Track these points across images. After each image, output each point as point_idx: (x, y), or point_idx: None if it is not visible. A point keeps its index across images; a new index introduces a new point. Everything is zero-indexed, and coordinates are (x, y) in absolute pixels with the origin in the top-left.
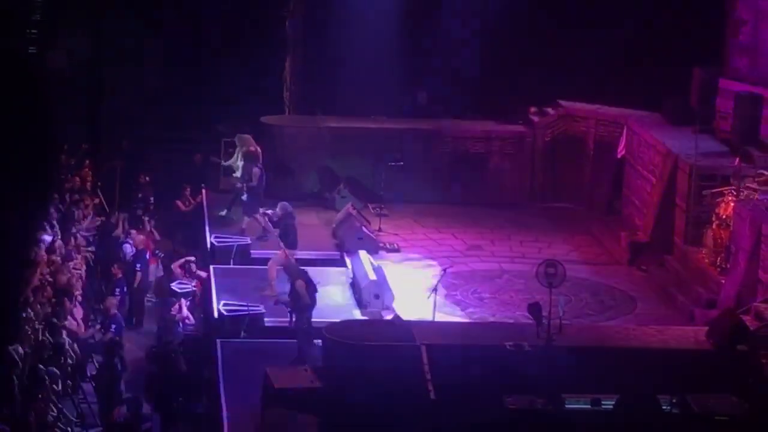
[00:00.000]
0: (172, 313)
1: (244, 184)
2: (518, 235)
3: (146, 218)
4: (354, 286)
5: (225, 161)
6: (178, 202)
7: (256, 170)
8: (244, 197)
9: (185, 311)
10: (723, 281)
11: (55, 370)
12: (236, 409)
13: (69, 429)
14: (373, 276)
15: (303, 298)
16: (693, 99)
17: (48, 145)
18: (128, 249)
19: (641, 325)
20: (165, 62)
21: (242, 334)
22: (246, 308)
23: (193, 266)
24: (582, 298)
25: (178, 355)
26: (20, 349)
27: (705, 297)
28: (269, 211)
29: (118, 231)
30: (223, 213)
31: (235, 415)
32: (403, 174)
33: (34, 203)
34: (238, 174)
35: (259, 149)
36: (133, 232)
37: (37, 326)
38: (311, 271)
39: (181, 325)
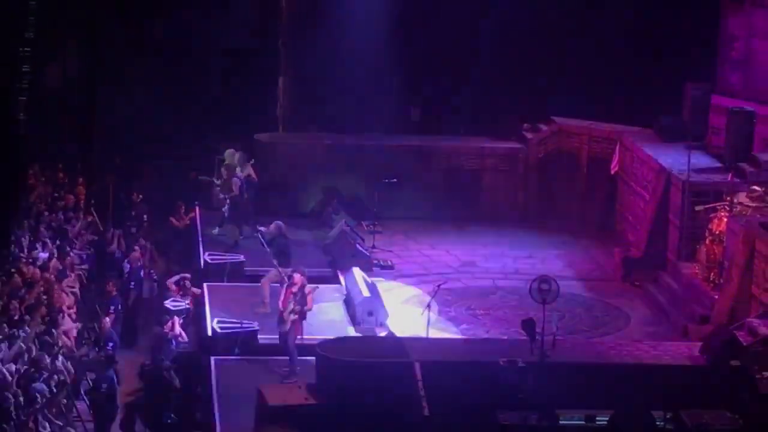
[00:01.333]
0: (165, 330)
1: (226, 197)
2: (512, 252)
3: (142, 239)
4: (347, 303)
5: (217, 180)
6: (172, 219)
7: (235, 180)
8: (225, 209)
9: (178, 329)
10: (716, 297)
11: (47, 387)
12: (230, 426)
13: None
14: (366, 293)
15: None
16: (685, 115)
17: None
18: (127, 267)
19: (635, 341)
20: (158, 80)
21: (236, 351)
22: (240, 326)
23: (188, 283)
24: (576, 314)
25: (171, 372)
26: (13, 367)
27: (698, 312)
28: (263, 229)
29: (113, 247)
30: (215, 231)
31: None
32: (396, 191)
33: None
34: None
35: (239, 161)
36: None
37: (30, 344)
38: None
39: (174, 342)
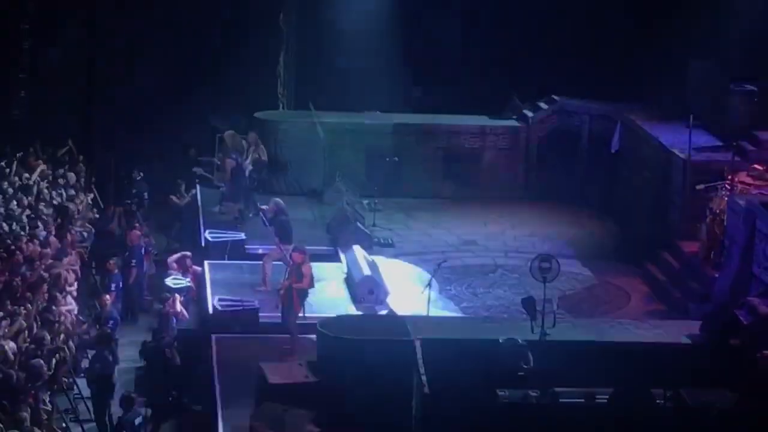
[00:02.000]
0: (166, 308)
1: (222, 180)
2: (512, 230)
3: (141, 217)
4: (348, 281)
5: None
6: (173, 197)
7: (230, 161)
8: (222, 187)
9: (179, 306)
10: (717, 276)
11: (48, 365)
12: (230, 404)
13: (63, 424)
14: (367, 271)
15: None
16: (687, 93)
17: None
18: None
19: (635, 320)
20: (159, 57)
21: (237, 329)
22: (240, 303)
23: (189, 261)
24: (576, 292)
25: (172, 349)
26: (12, 344)
27: (699, 291)
28: (264, 207)
29: (113, 226)
30: (216, 209)
31: (229, 410)
32: (397, 169)
33: None
34: (223, 189)
35: (235, 144)
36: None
37: (31, 322)
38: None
39: (175, 320)
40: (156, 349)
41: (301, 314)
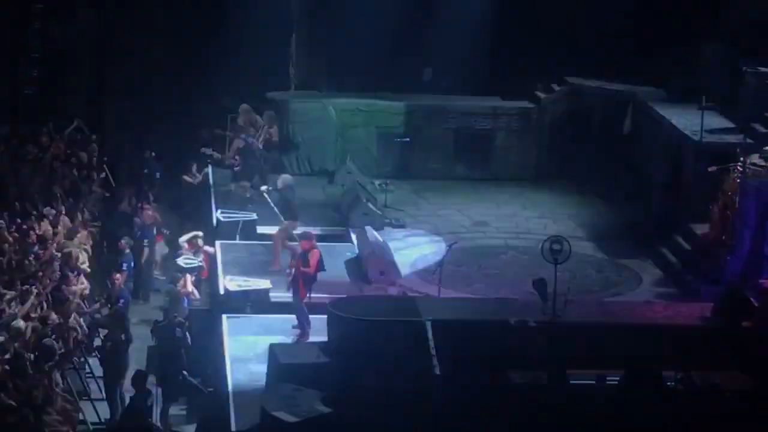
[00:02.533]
0: (178, 288)
1: (234, 157)
2: (524, 212)
3: (150, 194)
4: (359, 261)
5: (218, 154)
6: (185, 177)
7: (238, 141)
8: (235, 166)
9: (190, 286)
10: (729, 258)
11: (59, 344)
12: (241, 384)
13: (75, 402)
14: (378, 251)
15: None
16: (700, 75)
17: None
18: (139, 224)
19: (646, 302)
20: (171, 37)
21: (248, 309)
22: (251, 284)
23: (200, 241)
24: (587, 274)
25: (183, 329)
26: (21, 323)
27: (710, 273)
28: (265, 187)
29: (124, 205)
30: (233, 187)
31: (240, 391)
32: (408, 150)
33: None
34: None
35: (250, 120)
36: (146, 206)
37: (43, 301)
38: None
39: (186, 300)
40: (167, 329)
41: (306, 299)
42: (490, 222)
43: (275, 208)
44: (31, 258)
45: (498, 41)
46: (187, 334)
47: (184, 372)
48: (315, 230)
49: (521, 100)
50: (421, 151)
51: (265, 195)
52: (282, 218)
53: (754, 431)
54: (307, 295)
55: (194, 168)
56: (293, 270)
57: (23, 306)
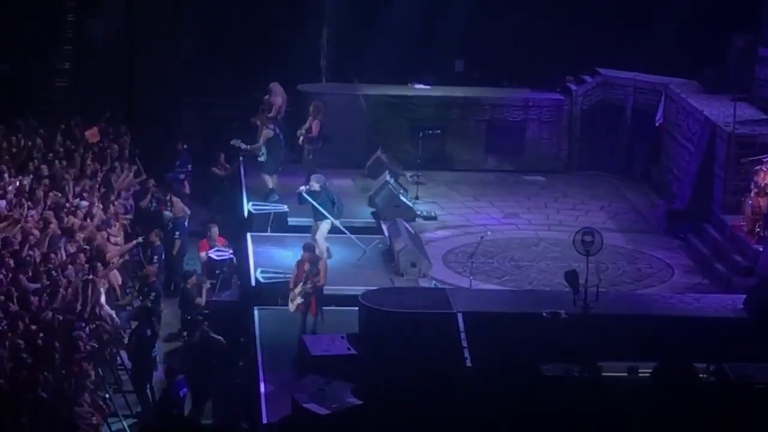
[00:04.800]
0: (188, 286)
1: (262, 146)
2: (555, 203)
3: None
4: (390, 253)
5: (247, 144)
6: (214, 169)
7: (267, 131)
8: (262, 158)
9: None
10: (761, 249)
11: (89, 336)
12: (273, 375)
13: (105, 394)
14: (410, 244)
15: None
16: (731, 66)
17: None
18: (168, 216)
19: (678, 293)
20: (202, 29)
21: (279, 301)
22: (282, 275)
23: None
24: (619, 266)
25: (208, 329)
26: (50, 315)
27: (742, 265)
28: (302, 187)
29: (145, 203)
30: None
31: (271, 383)
32: (440, 142)
33: None
34: (262, 158)
35: (275, 107)
36: (175, 199)
37: (71, 291)
38: (346, 238)
39: (202, 294)
40: (194, 324)
41: (319, 318)
42: (522, 214)
43: (319, 208)
44: (59, 250)
45: (530, 32)
46: (212, 335)
47: (214, 365)
48: (347, 222)
49: (553, 91)
50: (452, 142)
51: (306, 196)
52: (329, 216)
53: None
54: (320, 315)
55: (222, 158)
56: (304, 287)
57: (55, 298)
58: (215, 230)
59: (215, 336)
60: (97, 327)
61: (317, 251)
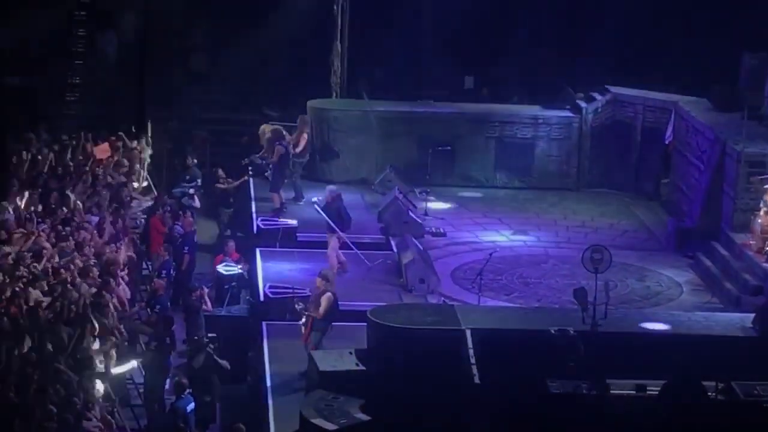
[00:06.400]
0: (193, 299)
1: (268, 162)
2: (564, 221)
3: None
4: (399, 269)
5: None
6: (218, 185)
7: (279, 147)
8: (268, 174)
9: (206, 299)
10: None
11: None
12: (281, 390)
13: (114, 408)
14: (418, 260)
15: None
16: (742, 84)
17: None
18: (179, 231)
19: (687, 312)
20: (213, 44)
21: (287, 316)
22: (291, 291)
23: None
24: (628, 284)
25: (211, 353)
26: (63, 330)
27: (752, 284)
28: (316, 199)
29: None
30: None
31: (279, 398)
32: (449, 158)
33: None
34: (268, 174)
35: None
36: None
37: (82, 305)
38: (355, 254)
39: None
40: (199, 347)
41: (311, 347)
42: (531, 231)
43: (330, 222)
44: (69, 264)
45: (539, 50)
46: (217, 359)
47: (217, 381)
48: (356, 238)
49: (562, 108)
50: (462, 159)
51: (317, 208)
52: (337, 230)
53: None
54: (311, 344)
55: (220, 172)
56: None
57: (63, 313)
58: (232, 245)
59: (220, 360)
60: (106, 340)
61: (330, 274)
